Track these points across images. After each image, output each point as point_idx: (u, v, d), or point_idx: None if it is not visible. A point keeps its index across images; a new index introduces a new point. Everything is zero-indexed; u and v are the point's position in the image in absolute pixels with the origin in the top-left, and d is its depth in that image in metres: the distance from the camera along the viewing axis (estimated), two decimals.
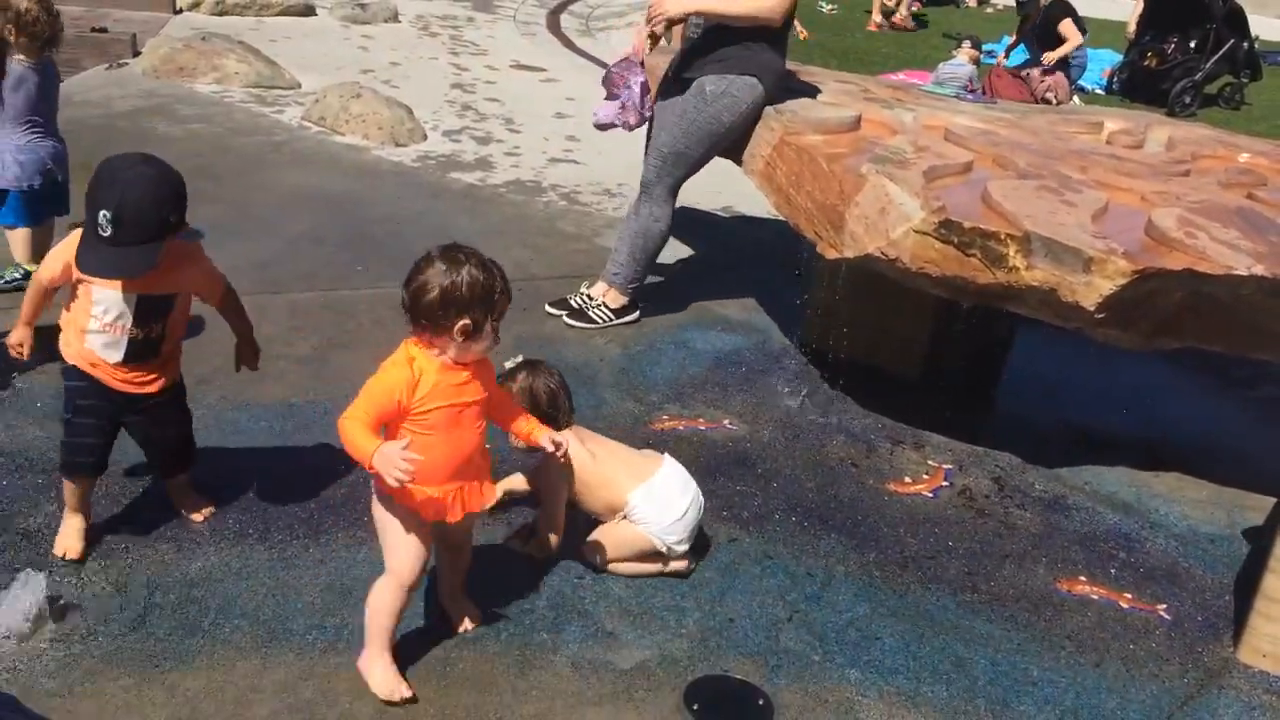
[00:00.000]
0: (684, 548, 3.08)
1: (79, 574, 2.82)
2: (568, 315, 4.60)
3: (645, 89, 4.35)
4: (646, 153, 4.57)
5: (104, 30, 8.00)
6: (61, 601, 2.70)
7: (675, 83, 4.41)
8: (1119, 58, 11.89)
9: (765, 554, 3.28)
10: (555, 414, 3.06)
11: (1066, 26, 10.44)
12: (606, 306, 4.60)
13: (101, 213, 2.61)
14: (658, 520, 3.02)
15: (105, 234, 2.63)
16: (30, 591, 2.65)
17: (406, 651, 2.70)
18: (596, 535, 3.09)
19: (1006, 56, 10.99)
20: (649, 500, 3.03)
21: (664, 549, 3.04)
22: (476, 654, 2.74)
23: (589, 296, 4.65)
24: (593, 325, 4.57)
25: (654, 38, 4.33)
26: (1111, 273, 3.22)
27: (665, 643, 2.86)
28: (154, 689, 2.51)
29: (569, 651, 2.79)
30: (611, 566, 3.08)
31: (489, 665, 2.71)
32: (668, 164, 4.43)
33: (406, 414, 2.45)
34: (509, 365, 3.19)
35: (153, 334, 2.82)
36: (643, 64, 4.36)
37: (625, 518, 3.06)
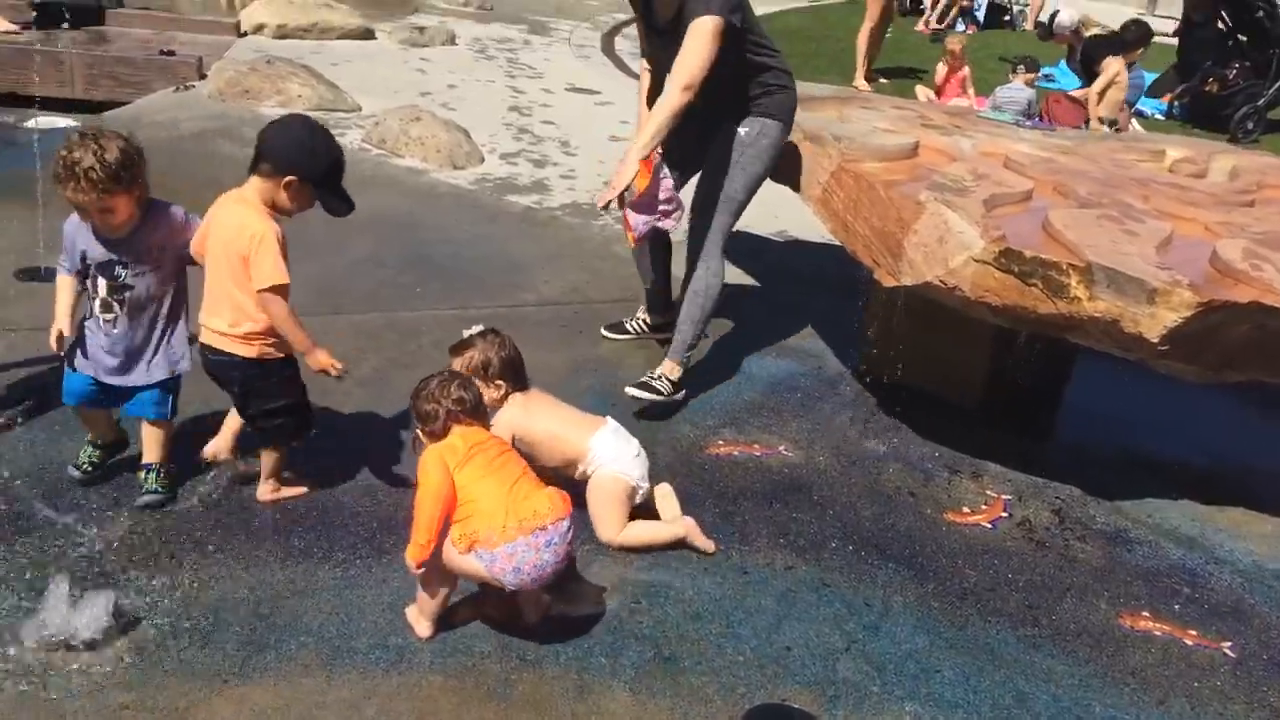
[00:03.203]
0: (646, 485, 3.36)
1: (150, 587, 2.89)
2: (635, 387, 4.11)
3: (673, 182, 4.13)
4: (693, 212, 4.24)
5: (172, 54, 8.19)
6: (133, 615, 2.76)
7: (694, 135, 4.05)
8: (1152, 75, 11.71)
9: (822, 582, 3.27)
10: (510, 379, 3.32)
11: (1111, 66, 10.32)
12: (668, 379, 4.16)
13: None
14: (618, 457, 3.30)
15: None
16: (99, 604, 2.71)
17: (466, 672, 2.74)
18: (590, 508, 3.29)
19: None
20: (604, 444, 3.30)
21: (632, 485, 3.30)
22: (536, 676, 2.76)
23: (652, 373, 4.20)
24: (658, 396, 4.11)
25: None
26: (1176, 304, 3.20)
27: (722, 670, 2.86)
28: (222, 703, 2.56)
29: (626, 676, 2.80)
30: (623, 537, 3.26)
31: (548, 688, 2.73)
32: (718, 219, 4.13)
33: None
34: (466, 333, 3.40)
35: None
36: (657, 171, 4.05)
37: (588, 470, 3.30)
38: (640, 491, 3.36)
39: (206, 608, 2.85)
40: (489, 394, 3.27)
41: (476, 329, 3.40)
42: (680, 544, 3.30)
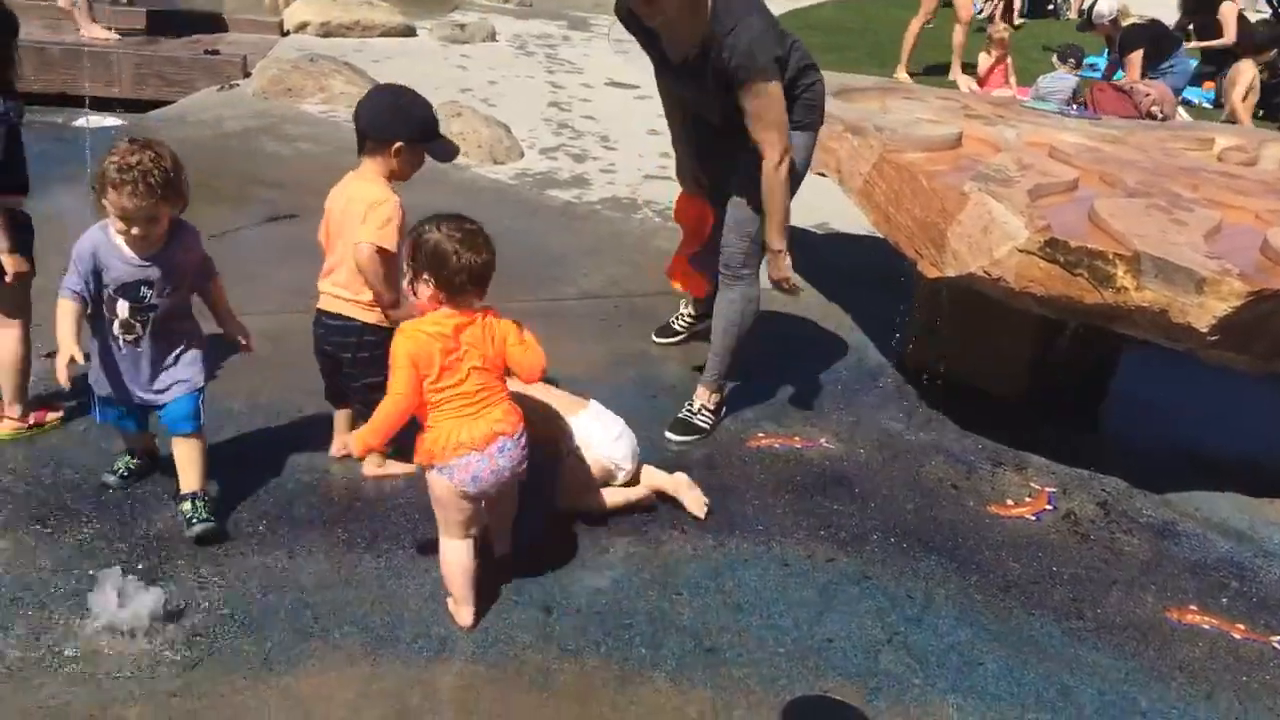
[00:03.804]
0: (629, 465, 3.38)
1: (197, 578, 2.93)
2: (676, 433, 3.93)
3: None
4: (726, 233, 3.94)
5: (216, 53, 8.30)
6: (181, 604, 2.81)
7: (720, 145, 3.88)
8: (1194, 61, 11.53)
9: (863, 574, 3.26)
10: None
11: (1133, 60, 10.18)
12: (707, 410, 4.02)
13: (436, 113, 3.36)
14: (601, 439, 3.33)
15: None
16: (148, 592, 2.76)
17: (507, 662, 2.76)
18: (563, 481, 3.34)
19: (1111, 74, 10.75)
20: (582, 428, 3.32)
21: (612, 466, 3.34)
22: (577, 667, 2.78)
23: (690, 406, 4.04)
24: (702, 434, 3.97)
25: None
26: (1226, 294, 3.14)
27: (763, 661, 2.86)
28: (269, 692, 2.59)
29: (668, 667, 2.81)
30: (584, 501, 3.34)
31: (589, 678, 2.75)
32: (757, 241, 3.85)
33: None
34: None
35: None
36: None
37: (572, 451, 3.30)
38: (622, 472, 3.38)
39: (253, 597, 2.88)
40: None
41: None
42: (634, 507, 3.39)
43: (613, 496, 3.39)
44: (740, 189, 3.85)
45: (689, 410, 3.98)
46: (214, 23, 9.19)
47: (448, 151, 3.42)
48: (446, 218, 2.84)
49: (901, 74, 10.72)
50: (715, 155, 3.98)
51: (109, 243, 2.96)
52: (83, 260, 2.94)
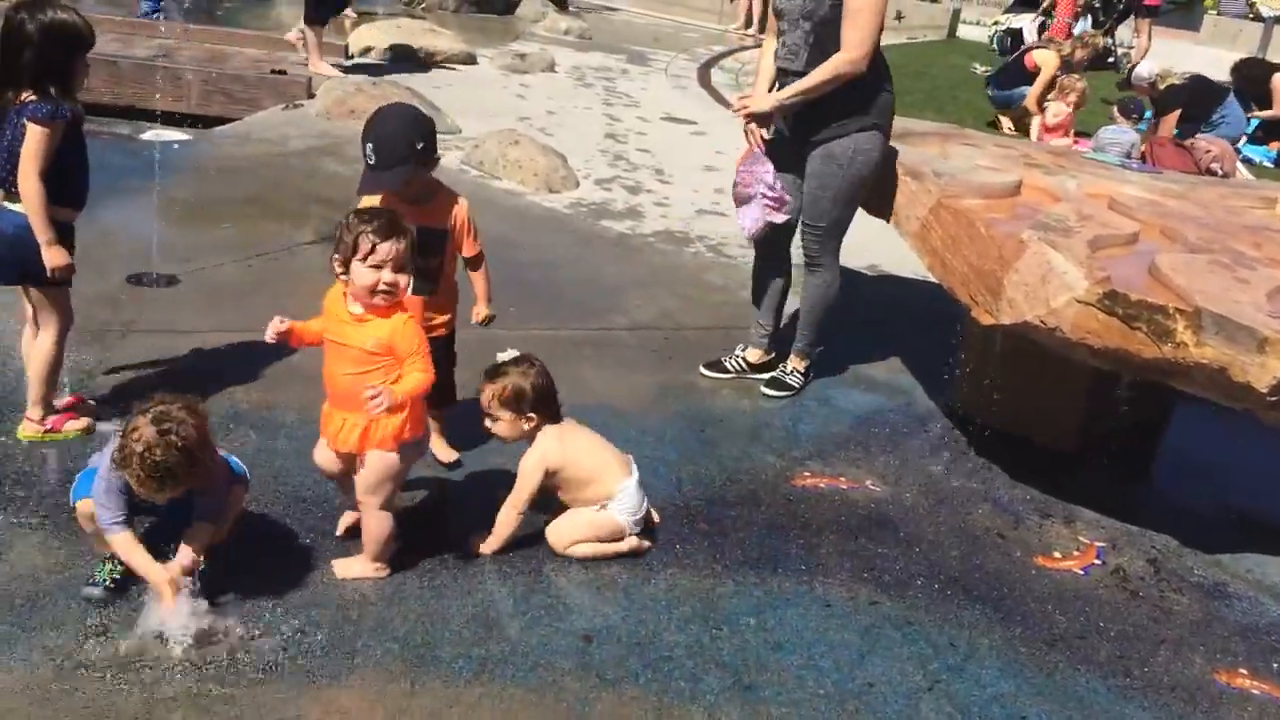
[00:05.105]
0: (636, 532, 3.35)
1: (242, 589, 2.95)
2: (771, 388, 4.58)
3: (776, 174, 4.32)
4: (802, 225, 4.45)
5: (283, 73, 8.46)
6: (226, 613, 2.83)
7: (793, 146, 4.32)
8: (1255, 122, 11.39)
9: (906, 620, 3.23)
10: (545, 411, 3.25)
11: (1166, 121, 10.12)
12: (798, 371, 4.63)
13: (366, 146, 3.23)
14: (631, 508, 3.29)
15: (371, 162, 3.23)
16: (192, 602, 2.78)
17: (546, 687, 2.76)
18: (562, 519, 3.30)
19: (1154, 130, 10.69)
20: (627, 494, 3.29)
21: (629, 528, 3.31)
22: (615, 697, 2.77)
23: (785, 368, 4.66)
24: (793, 391, 4.59)
25: (765, 129, 4.30)
26: None
27: (803, 702, 2.84)
28: (310, 703, 2.61)
29: (706, 702, 2.79)
30: (574, 549, 3.27)
31: (626, 709, 2.74)
32: (829, 235, 4.40)
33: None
34: (501, 357, 3.33)
35: (430, 265, 3.31)
36: (767, 154, 4.31)
37: (603, 507, 3.27)
38: (628, 542, 3.33)
39: (297, 611, 2.90)
40: (519, 426, 3.24)
41: (510, 354, 3.32)
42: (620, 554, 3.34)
43: (600, 547, 3.31)
44: (813, 187, 4.33)
45: (783, 370, 4.60)
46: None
47: (361, 180, 3.30)
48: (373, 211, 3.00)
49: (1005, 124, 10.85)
50: (793, 135, 4.31)
51: (129, 487, 2.73)
52: (112, 497, 2.75)
